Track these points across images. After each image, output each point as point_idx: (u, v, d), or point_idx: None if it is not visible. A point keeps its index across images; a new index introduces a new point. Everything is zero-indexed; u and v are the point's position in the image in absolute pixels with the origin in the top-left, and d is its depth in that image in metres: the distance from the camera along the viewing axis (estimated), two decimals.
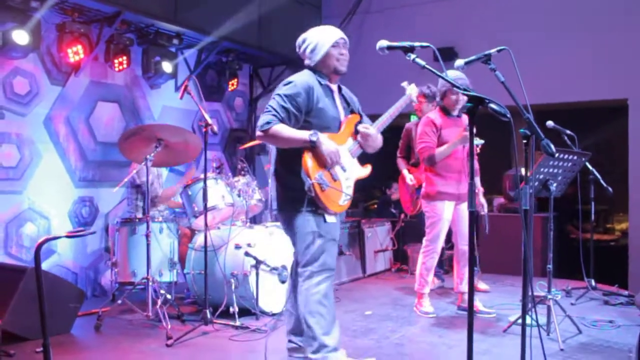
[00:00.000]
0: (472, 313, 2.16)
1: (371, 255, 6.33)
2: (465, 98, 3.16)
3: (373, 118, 3.23)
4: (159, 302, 4.01)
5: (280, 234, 4.54)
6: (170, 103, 6.31)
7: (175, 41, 5.84)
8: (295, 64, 6.70)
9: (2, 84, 4.83)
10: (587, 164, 4.62)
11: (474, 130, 2.24)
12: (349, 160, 3.09)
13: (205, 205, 4.11)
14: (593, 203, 5.14)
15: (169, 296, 4.28)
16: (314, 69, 3.07)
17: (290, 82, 2.98)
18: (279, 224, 4.60)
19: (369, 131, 3.07)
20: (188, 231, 5.00)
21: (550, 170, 3.84)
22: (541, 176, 3.82)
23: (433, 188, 4.29)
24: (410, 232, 6.52)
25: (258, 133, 2.92)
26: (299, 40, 3.13)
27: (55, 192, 5.23)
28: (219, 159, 6.43)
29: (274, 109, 2.89)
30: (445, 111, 4.34)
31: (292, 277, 3.15)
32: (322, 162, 2.89)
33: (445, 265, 5.78)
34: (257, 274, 4.16)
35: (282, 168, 3.02)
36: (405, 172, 5.45)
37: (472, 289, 2.17)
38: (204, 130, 4.09)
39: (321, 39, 3.03)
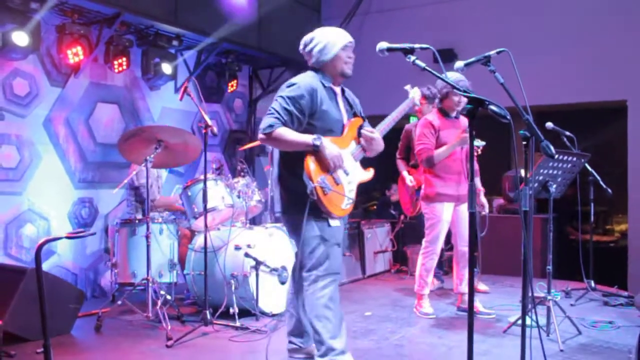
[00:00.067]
0: (473, 314, 2.16)
1: (371, 256, 6.33)
2: (466, 100, 3.17)
3: (372, 119, 3.23)
4: (159, 303, 4.01)
5: (280, 235, 4.55)
6: (169, 104, 6.31)
7: (174, 42, 5.85)
8: (295, 65, 6.74)
9: (1, 86, 4.83)
10: (587, 165, 4.63)
11: (474, 132, 2.25)
12: (352, 163, 3.06)
13: (205, 206, 4.11)
14: (592, 204, 5.15)
15: (169, 297, 4.28)
16: (318, 70, 3.02)
17: (293, 84, 2.93)
18: (278, 224, 4.63)
19: (373, 135, 3.03)
20: (188, 232, 5.00)
21: (550, 171, 3.84)
22: (541, 177, 3.82)
23: (432, 189, 4.30)
24: (409, 233, 6.53)
25: (260, 136, 2.88)
26: (306, 38, 3.05)
27: (55, 193, 5.23)
28: (219, 160, 6.44)
29: (277, 112, 2.85)
30: (444, 113, 4.34)
31: (294, 279, 3.12)
32: (325, 165, 2.85)
33: (444, 267, 5.79)
34: (257, 275, 4.17)
35: (285, 171, 2.98)
36: (404, 173, 5.45)
37: (472, 289, 2.17)
38: (203, 131, 4.08)
39: (332, 39, 2.97)
